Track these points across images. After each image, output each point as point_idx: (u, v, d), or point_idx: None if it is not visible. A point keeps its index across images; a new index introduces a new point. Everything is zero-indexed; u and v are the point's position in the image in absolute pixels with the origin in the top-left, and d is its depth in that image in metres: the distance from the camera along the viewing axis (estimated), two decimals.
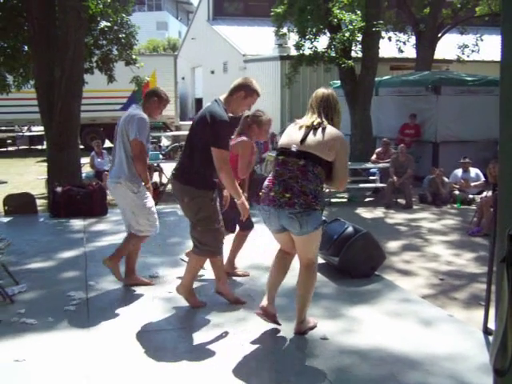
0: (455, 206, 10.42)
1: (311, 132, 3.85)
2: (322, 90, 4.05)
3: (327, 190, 4.09)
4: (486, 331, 4.17)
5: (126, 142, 4.94)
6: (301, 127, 3.94)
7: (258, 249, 6.39)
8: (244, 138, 5.25)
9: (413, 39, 18.39)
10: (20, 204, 8.63)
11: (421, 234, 8.28)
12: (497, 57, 1.69)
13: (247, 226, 5.47)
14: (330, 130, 3.86)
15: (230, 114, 4.38)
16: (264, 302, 4.15)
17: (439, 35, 17.90)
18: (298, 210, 3.73)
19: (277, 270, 4.20)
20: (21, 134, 22.64)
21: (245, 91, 4.41)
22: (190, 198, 4.36)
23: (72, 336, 4.13)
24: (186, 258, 5.59)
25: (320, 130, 3.85)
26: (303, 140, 3.84)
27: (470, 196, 10.49)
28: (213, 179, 4.40)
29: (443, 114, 12.60)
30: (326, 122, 3.89)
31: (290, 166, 3.83)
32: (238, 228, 5.52)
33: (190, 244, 5.55)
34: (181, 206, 4.57)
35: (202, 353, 3.84)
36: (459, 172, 10.97)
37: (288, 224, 3.83)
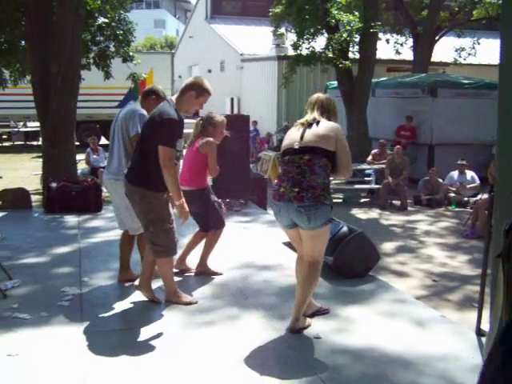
0: (450, 208, 10.45)
1: (308, 128, 3.99)
2: (316, 94, 4.25)
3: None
4: (479, 332, 4.18)
5: (125, 138, 4.92)
6: (297, 126, 4.09)
7: (250, 247, 6.40)
8: (209, 138, 5.25)
9: (410, 41, 18.45)
10: (14, 199, 8.60)
11: (415, 236, 8.29)
12: (493, 60, 1.69)
13: (218, 226, 5.40)
14: (325, 122, 4.01)
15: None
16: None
17: (436, 38, 17.96)
18: (307, 204, 3.78)
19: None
20: (16, 129, 22.58)
21: (195, 91, 4.41)
22: (140, 199, 4.37)
23: (65, 331, 4.12)
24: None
25: (315, 124, 4.00)
26: (302, 136, 3.96)
27: (465, 198, 10.52)
28: (164, 181, 4.37)
29: (439, 116, 12.63)
30: (321, 118, 4.03)
31: (297, 163, 3.91)
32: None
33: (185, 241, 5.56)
34: (132, 206, 4.57)
35: (193, 350, 3.83)
36: (455, 174, 11.00)
37: (297, 218, 3.87)
